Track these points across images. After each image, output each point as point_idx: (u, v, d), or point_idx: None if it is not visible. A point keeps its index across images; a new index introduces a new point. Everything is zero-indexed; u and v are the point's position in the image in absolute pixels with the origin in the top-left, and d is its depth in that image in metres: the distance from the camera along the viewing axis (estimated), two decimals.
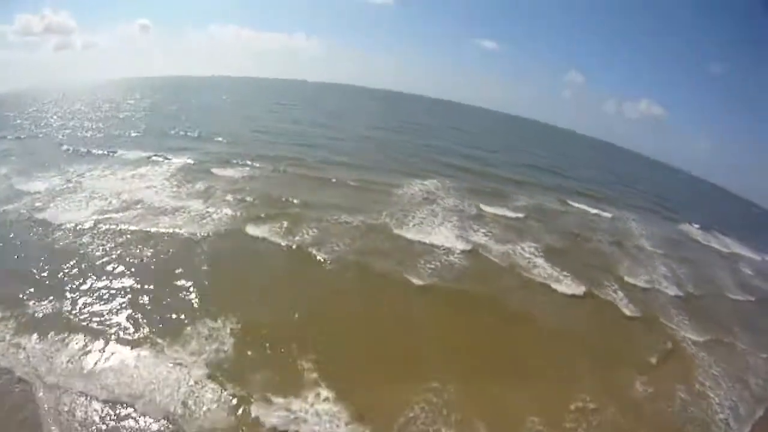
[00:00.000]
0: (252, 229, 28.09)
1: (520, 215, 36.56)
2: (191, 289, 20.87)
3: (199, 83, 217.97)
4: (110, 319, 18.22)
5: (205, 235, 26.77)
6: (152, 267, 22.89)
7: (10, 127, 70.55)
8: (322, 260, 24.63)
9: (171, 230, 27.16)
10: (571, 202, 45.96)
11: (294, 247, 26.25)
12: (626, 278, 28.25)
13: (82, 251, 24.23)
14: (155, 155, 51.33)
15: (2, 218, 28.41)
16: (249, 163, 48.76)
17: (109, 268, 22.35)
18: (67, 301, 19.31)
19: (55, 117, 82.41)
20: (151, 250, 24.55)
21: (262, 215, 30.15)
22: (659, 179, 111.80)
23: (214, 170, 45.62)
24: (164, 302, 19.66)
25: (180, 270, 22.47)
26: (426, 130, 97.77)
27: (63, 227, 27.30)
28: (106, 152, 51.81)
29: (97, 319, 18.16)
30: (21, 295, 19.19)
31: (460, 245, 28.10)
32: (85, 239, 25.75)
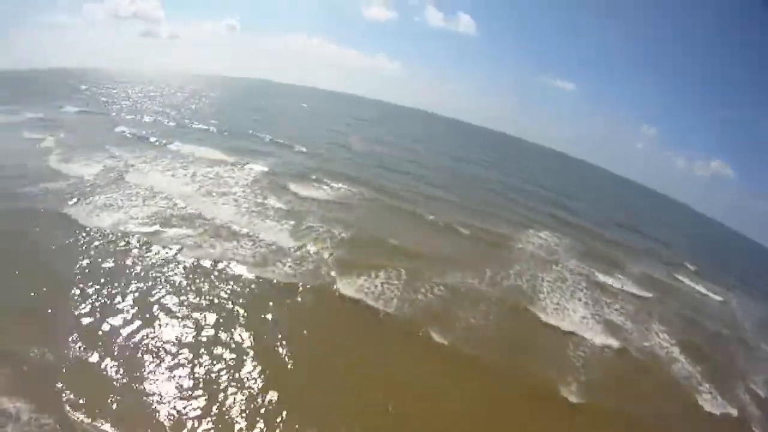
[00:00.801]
0: (345, 286, 22.56)
1: (647, 294, 34.24)
2: (258, 378, 15.74)
3: (278, 89, 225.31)
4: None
5: (280, 283, 21.92)
6: (201, 328, 17.91)
7: (77, 100, 71.39)
8: (448, 351, 19.33)
9: (236, 266, 22.85)
10: (679, 276, 43.91)
11: (404, 320, 20.79)
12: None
13: (102, 281, 19.86)
14: (225, 156, 46.32)
15: (23, 204, 26.14)
16: (331, 183, 42.76)
17: (135, 318, 17.78)
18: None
19: (126, 99, 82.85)
20: (203, 297, 19.87)
21: (357, 262, 24.92)
22: (744, 248, 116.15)
23: (292, 186, 39.10)
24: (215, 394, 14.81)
25: (241, 337, 17.58)
26: (509, 167, 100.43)
27: (89, 233, 24.07)
28: (168, 144, 48.24)
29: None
30: None
31: (606, 338, 24.50)
32: (110, 261, 21.64)
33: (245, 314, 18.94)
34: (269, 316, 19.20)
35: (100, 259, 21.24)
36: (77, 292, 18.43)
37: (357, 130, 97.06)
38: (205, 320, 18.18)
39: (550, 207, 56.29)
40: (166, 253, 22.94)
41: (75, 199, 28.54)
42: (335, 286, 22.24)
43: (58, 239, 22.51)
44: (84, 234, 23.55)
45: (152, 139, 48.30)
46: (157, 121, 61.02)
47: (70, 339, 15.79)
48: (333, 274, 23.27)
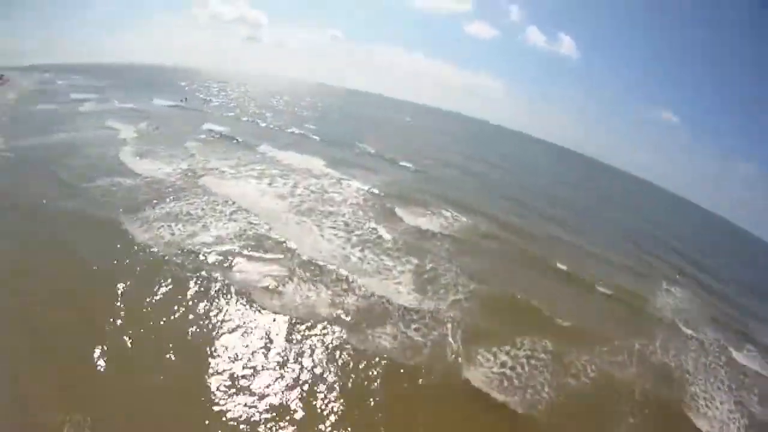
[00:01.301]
0: (474, 371, 17.39)
1: None
2: None
3: (378, 100, 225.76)
4: None
5: (383, 361, 16.70)
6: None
7: (172, 94, 73.62)
8: None
9: (325, 328, 17.66)
10: None
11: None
12: None
13: (135, 321, 16.03)
14: (322, 167, 40.70)
15: (74, 205, 23.43)
16: (443, 209, 35.32)
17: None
18: None
19: (223, 98, 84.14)
20: (269, 372, 15.12)
21: (490, 333, 19.83)
22: None
23: (400, 211, 31.99)
24: None
25: None
26: (622, 205, 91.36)
27: (137, 251, 20.16)
28: (257, 146, 44.14)
29: None
30: None
31: None
32: (149, 295, 17.58)
33: (330, 406, 14.21)
34: (366, 413, 14.33)
35: (139, 289, 17.52)
36: (106, 341, 14.71)
37: (461, 148, 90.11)
38: (273, 414, 13.48)
39: (676, 257, 50.05)
40: (229, 296, 18.17)
41: (134, 204, 24.42)
42: (462, 373, 17.14)
43: (99, 255, 19.23)
44: (131, 251, 19.71)
45: (240, 140, 44.97)
46: (250, 122, 58.78)
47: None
48: (459, 350, 18.20)
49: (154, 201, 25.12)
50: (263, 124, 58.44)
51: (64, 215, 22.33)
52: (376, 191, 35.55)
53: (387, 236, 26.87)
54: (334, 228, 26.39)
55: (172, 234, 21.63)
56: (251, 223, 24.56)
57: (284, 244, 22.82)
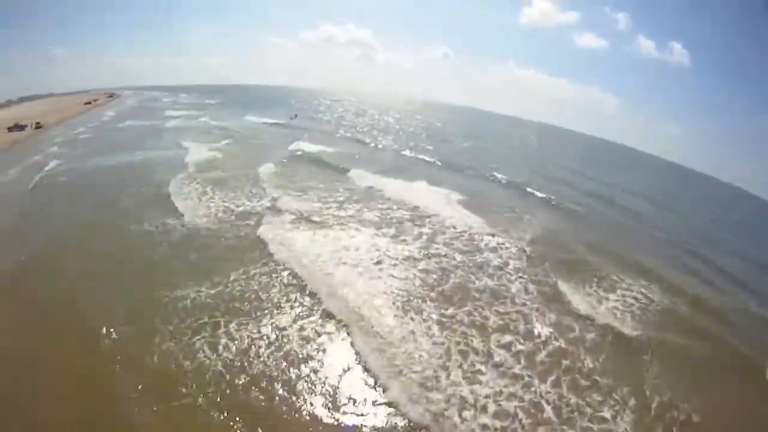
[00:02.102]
0: None
1: None
2: None
3: (493, 118, 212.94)
4: None
5: None
6: None
7: (281, 111, 73.17)
8: None
9: None
10: None
11: None
12: None
13: None
14: (442, 204, 28.05)
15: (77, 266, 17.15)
16: (623, 283, 21.23)
17: None
18: None
19: (328, 115, 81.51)
20: None
21: None
22: None
23: (565, 287, 18.74)
24: None
25: None
26: None
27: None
28: (347, 171, 33.57)
29: None
30: None
31: None
32: None
33: None
34: None
35: None
36: None
37: (594, 173, 73.35)
38: None
39: None
40: None
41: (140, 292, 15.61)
42: None
43: None
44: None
45: (331, 162, 35.45)
46: (353, 140, 49.50)
47: None
48: None
49: (171, 285, 14.84)
50: (371, 143, 49.32)
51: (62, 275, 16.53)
52: (528, 250, 22.65)
53: (562, 346, 14.44)
54: (472, 330, 14.54)
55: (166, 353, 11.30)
56: (338, 330, 13.86)
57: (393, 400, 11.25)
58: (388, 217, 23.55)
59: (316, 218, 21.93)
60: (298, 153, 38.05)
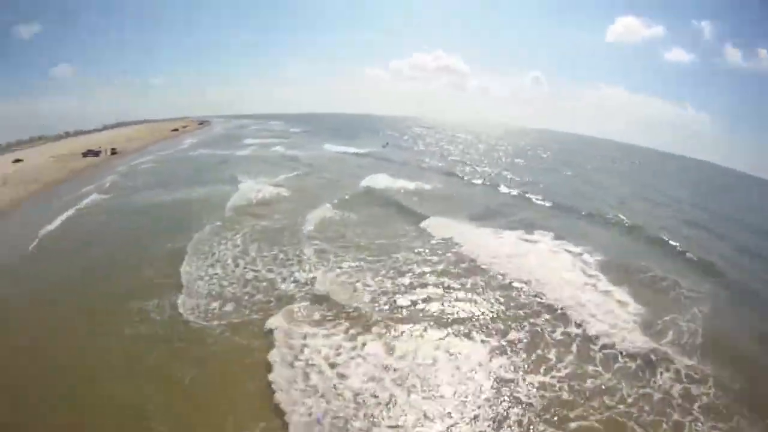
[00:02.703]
0: None
1: None
2: None
3: (588, 142, 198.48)
4: None
5: None
6: None
7: (371, 139, 69.50)
8: None
9: None
10: None
11: None
12: None
13: None
14: (610, 285, 17.82)
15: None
16: None
17: None
18: None
19: (417, 143, 75.87)
20: None
21: None
22: None
23: None
24: None
25: None
26: None
27: None
28: (451, 225, 24.19)
29: None
30: None
31: None
32: None
33: None
34: None
35: None
36: None
37: (736, 213, 59.51)
38: None
39: None
40: None
41: None
42: None
43: None
44: None
45: (407, 204, 27.71)
46: (440, 172, 41.70)
47: None
48: None
49: None
50: (461, 175, 40.82)
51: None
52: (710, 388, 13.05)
53: None
54: None
55: None
56: None
57: None
58: (484, 317, 14.13)
59: (357, 313, 13.64)
60: (370, 190, 31.17)
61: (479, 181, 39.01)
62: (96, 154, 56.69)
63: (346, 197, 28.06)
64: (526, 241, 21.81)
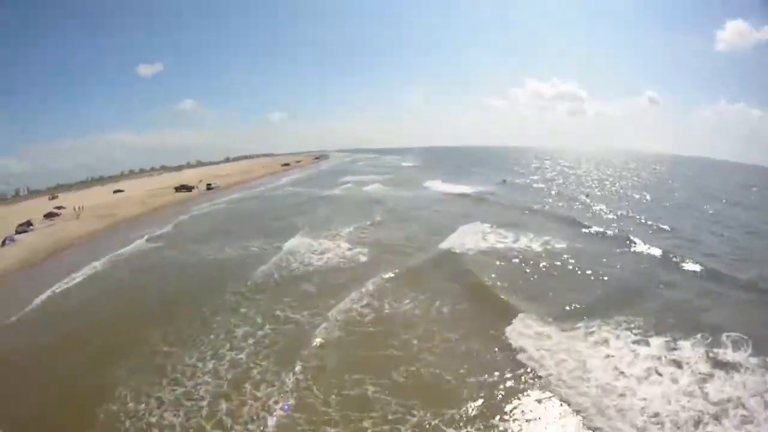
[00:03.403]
0: None
1: None
2: None
3: (710, 165, 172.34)
4: None
5: None
6: None
7: (487, 174, 62.39)
8: None
9: None
10: None
11: None
12: None
13: None
14: None
15: None
16: None
17: None
18: None
19: (539, 175, 66.49)
20: None
21: None
22: None
23: None
24: None
25: None
26: None
27: None
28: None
29: None
30: None
31: None
32: None
33: None
34: None
35: None
36: None
37: None
38: None
39: None
40: None
41: None
42: None
43: None
44: None
45: (495, 286, 17.97)
46: (557, 218, 31.25)
47: None
48: None
49: None
50: (585, 222, 28.75)
51: None
52: None
53: None
54: None
55: None
56: None
57: None
58: None
59: None
60: (448, 256, 21.39)
61: (609, 232, 27.17)
62: (189, 189, 55.82)
63: (407, 271, 18.93)
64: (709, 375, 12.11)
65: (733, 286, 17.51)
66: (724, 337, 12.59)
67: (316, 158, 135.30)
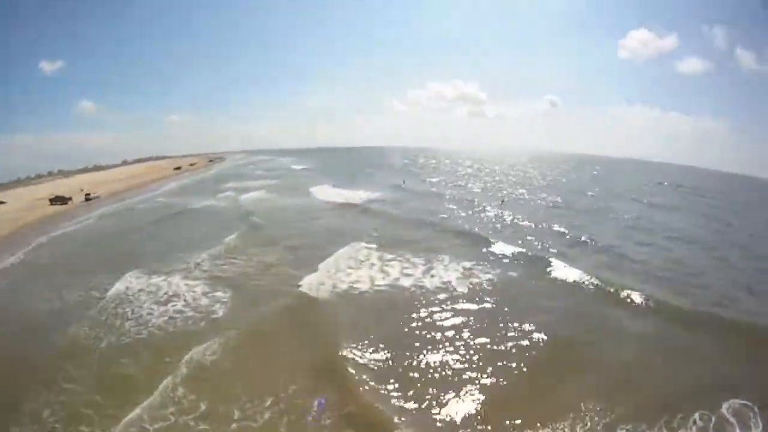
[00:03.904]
0: None
1: None
2: None
3: (612, 163, 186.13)
4: None
5: None
6: None
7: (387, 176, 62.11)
8: None
9: None
10: None
11: None
12: None
13: None
14: None
15: None
16: None
17: None
18: None
19: (438, 176, 68.53)
20: None
21: None
22: None
23: None
24: None
25: None
26: None
27: None
28: None
29: None
30: None
31: None
32: None
33: None
34: None
35: None
36: None
37: None
38: None
39: None
40: None
41: None
42: None
43: None
44: None
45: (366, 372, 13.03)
46: (456, 234, 28.06)
47: None
48: None
49: None
50: (490, 238, 26.19)
51: None
52: None
53: None
54: None
55: None
56: None
57: None
58: None
59: None
60: (301, 307, 16.18)
61: (522, 250, 23.44)
62: (64, 201, 48.26)
63: (245, 333, 14.18)
64: None
65: (692, 323, 15.07)
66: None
67: (211, 161, 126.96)
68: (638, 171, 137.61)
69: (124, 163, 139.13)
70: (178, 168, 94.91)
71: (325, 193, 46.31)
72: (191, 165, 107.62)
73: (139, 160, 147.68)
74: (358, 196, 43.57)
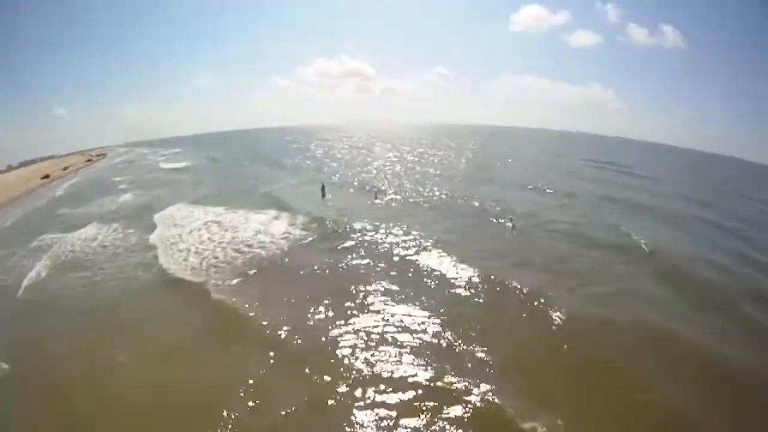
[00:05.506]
0: None
1: None
2: None
3: (503, 132, 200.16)
4: None
5: None
6: None
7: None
8: None
9: None
10: None
11: None
12: None
13: None
14: None
15: None
16: None
17: None
18: None
19: (323, 153, 76.03)
20: None
21: None
22: None
23: None
24: None
25: None
26: None
27: None
28: None
29: None
30: None
31: None
32: None
33: None
34: None
35: None
36: None
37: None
38: None
39: None
40: None
41: None
42: None
43: None
44: None
45: None
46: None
47: None
48: None
49: None
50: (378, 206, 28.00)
51: None
52: None
53: None
54: None
55: None
56: None
57: None
58: None
59: None
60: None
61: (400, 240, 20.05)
62: None
63: None
64: None
65: None
66: None
67: (89, 160, 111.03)
68: (536, 139, 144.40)
69: (9, 168, 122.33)
70: (47, 177, 79.24)
71: (171, 232, 27.92)
72: (65, 169, 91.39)
73: (27, 163, 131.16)
74: (224, 234, 26.53)
